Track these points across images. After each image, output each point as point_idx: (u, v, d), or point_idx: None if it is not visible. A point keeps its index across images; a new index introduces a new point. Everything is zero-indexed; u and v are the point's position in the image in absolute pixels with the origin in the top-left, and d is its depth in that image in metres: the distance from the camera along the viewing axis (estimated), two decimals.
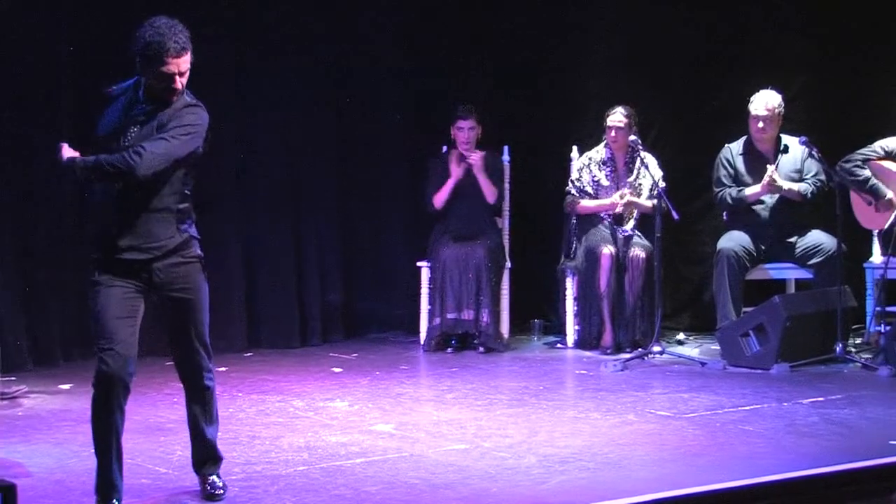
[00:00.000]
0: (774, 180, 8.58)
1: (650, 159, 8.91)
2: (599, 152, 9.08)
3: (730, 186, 8.78)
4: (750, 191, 8.69)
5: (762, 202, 8.76)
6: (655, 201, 8.60)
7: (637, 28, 9.60)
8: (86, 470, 5.64)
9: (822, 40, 9.48)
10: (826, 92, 9.44)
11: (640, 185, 8.99)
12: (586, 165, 9.07)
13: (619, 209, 8.89)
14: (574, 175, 9.11)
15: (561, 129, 9.56)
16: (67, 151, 5.06)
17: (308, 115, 9.14)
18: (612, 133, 8.92)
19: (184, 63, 4.99)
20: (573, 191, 9.08)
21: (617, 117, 8.92)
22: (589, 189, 9.03)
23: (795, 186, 8.68)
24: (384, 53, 9.53)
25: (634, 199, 8.89)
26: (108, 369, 4.92)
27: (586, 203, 9.03)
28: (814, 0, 9.51)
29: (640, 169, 8.94)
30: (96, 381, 4.94)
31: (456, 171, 9.04)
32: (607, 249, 8.78)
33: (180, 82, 5.01)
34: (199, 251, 5.18)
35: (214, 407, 5.32)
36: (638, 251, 8.79)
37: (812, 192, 8.69)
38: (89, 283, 5.07)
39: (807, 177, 8.75)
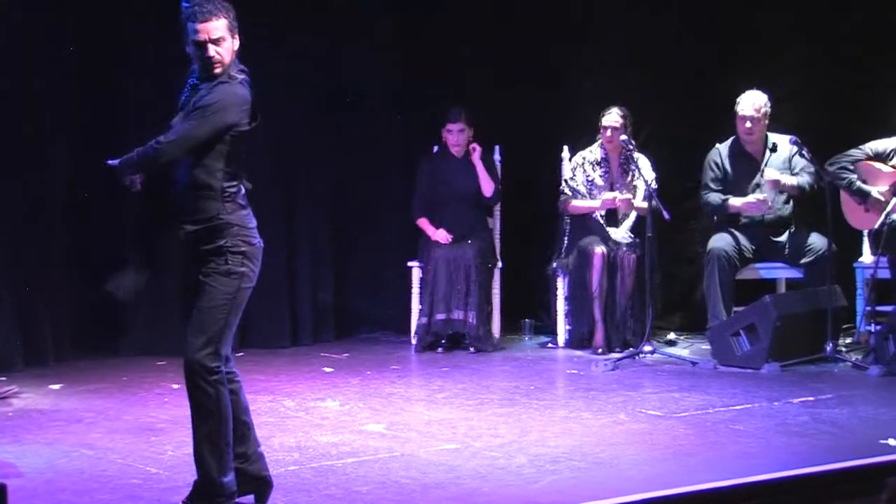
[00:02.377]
0: (765, 200, 8.61)
1: (643, 161, 8.93)
2: (594, 152, 9.09)
3: (716, 190, 8.79)
4: (734, 202, 8.71)
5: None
6: (648, 203, 8.62)
7: (628, 29, 9.61)
8: (76, 470, 5.65)
9: (813, 41, 9.49)
10: (816, 92, 9.44)
11: (634, 186, 9.00)
12: (580, 165, 9.08)
13: (617, 204, 8.87)
14: (567, 174, 9.12)
15: (552, 129, 9.57)
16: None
17: (300, 115, 9.13)
18: (608, 133, 8.92)
19: (214, 30, 4.93)
20: (566, 190, 9.09)
21: (613, 117, 8.93)
22: (582, 189, 9.04)
23: (794, 181, 8.68)
24: (378, 54, 9.51)
25: (629, 196, 8.89)
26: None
27: (578, 203, 9.04)
28: (803, 0, 9.52)
29: (634, 171, 8.95)
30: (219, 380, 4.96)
31: (442, 235, 9.06)
32: (599, 249, 8.78)
33: (215, 51, 4.94)
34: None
35: (197, 409, 5.00)
36: (629, 252, 8.81)
37: (809, 184, 8.68)
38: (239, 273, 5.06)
39: (796, 171, 8.76)
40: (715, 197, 8.77)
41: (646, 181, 8.72)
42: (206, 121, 4.92)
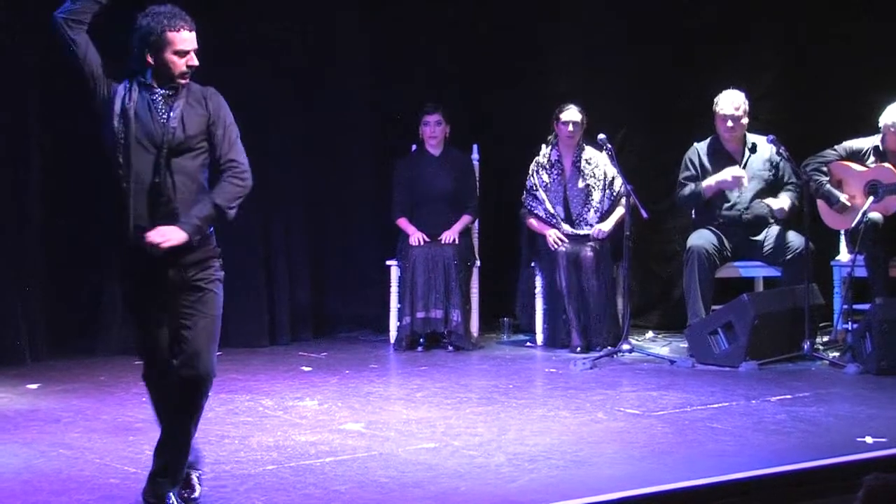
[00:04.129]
0: (742, 179, 8.64)
1: (598, 157, 8.90)
2: (545, 155, 9.09)
3: (687, 185, 8.83)
4: (708, 182, 8.72)
5: (733, 200, 8.79)
6: (613, 217, 8.70)
7: (605, 30, 9.64)
8: (53, 470, 5.64)
9: (789, 40, 9.53)
10: (793, 91, 9.49)
11: (589, 186, 8.98)
12: (535, 171, 9.09)
13: (554, 247, 8.87)
14: (528, 183, 9.11)
15: (530, 128, 9.57)
16: (162, 235, 4.84)
17: (277, 115, 9.13)
18: (570, 128, 8.92)
19: (195, 39, 4.97)
20: (527, 202, 9.08)
21: (573, 113, 8.93)
22: (542, 194, 9.03)
23: (786, 204, 8.70)
24: (354, 54, 9.53)
25: (575, 231, 8.92)
26: None
27: (533, 221, 9.04)
28: None
29: (587, 170, 8.95)
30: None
31: (417, 238, 9.05)
32: (563, 247, 8.80)
33: (195, 59, 4.97)
34: None
35: (197, 412, 5.13)
36: (587, 251, 8.81)
37: (797, 197, 8.71)
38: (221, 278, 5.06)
39: (784, 181, 8.79)
40: (688, 188, 8.79)
41: (614, 182, 8.74)
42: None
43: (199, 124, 4.98)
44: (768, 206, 8.71)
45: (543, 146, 9.18)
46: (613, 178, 8.83)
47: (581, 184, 9.00)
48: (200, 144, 4.98)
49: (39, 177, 8.41)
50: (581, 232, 8.94)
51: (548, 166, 9.05)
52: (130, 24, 4.99)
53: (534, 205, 9.06)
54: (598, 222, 8.96)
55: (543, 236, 8.99)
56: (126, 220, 4.87)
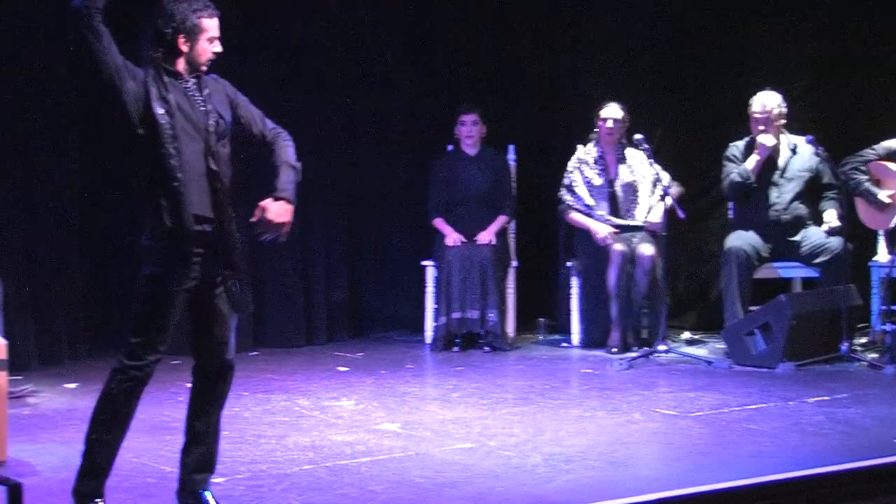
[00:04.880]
0: (769, 138, 8.61)
1: (638, 156, 8.88)
2: (589, 152, 9.07)
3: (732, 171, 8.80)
4: (748, 163, 8.69)
5: (771, 201, 8.74)
6: (654, 213, 8.66)
7: (642, 29, 9.61)
8: None
9: (828, 40, 9.48)
10: (831, 91, 9.44)
11: (635, 182, 8.97)
12: (577, 168, 9.07)
13: (607, 242, 8.84)
14: (566, 180, 9.09)
15: (566, 128, 9.57)
16: (280, 215, 4.99)
17: (315, 116, 9.13)
18: (609, 124, 8.91)
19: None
20: (567, 197, 9.06)
21: (613, 110, 8.93)
22: (583, 191, 9.01)
23: (834, 215, 8.67)
24: (392, 56, 9.55)
25: (627, 221, 8.88)
26: None
27: (577, 216, 9.01)
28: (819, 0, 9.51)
29: (633, 165, 8.94)
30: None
31: (453, 238, 9.03)
32: (619, 246, 8.76)
33: (220, 46, 4.97)
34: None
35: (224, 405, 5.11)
36: (646, 250, 8.77)
37: (841, 206, 8.65)
38: None
39: (824, 182, 8.75)
40: (734, 173, 8.74)
41: (658, 180, 8.70)
42: None
43: (228, 110, 5.00)
44: (827, 230, 8.66)
45: (579, 146, 9.15)
46: (658, 174, 8.77)
47: (629, 178, 8.98)
48: (229, 131, 5.00)
49: (77, 177, 8.46)
50: (632, 223, 8.90)
51: (591, 162, 9.03)
52: (145, 9, 4.92)
53: (573, 200, 9.03)
54: (644, 219, 8.93)
55: (584, 234, 8.95)
56: (181, 210, 4.80)
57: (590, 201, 8.99)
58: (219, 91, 5.01)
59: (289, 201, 4.99)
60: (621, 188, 8.99)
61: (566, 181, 9.08)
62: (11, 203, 8.10)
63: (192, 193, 4.83)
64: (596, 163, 9.04)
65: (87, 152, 8.42)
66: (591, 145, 9.09)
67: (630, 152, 8.98)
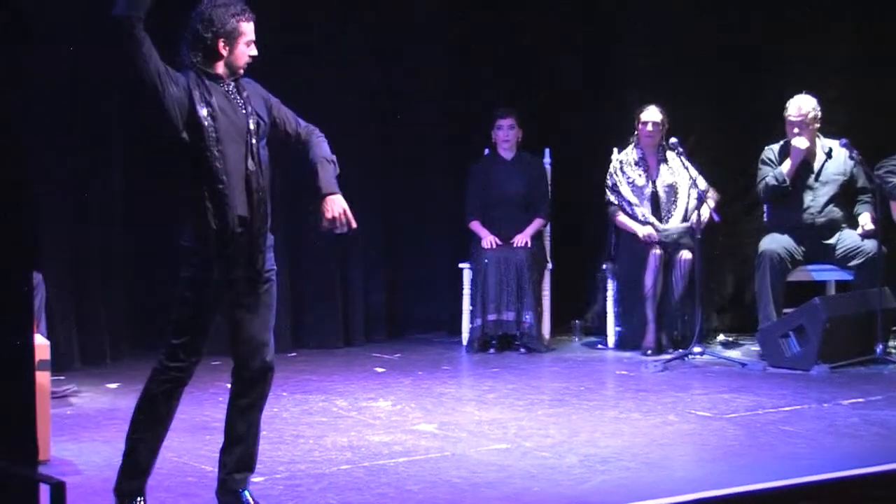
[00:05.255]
0: (802, 139, 8.57)
1: (676, 162, 8.86)
2: (630, 154, 9.06)
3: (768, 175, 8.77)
4: (784, 167, 8.66)
5: (806, 204, 8.71)
6: (691, 216, 8.66)
7: (677, 33, 9.57)
8: None
9: (863, 43, 9.43)
10: (865, 94, 9.39)
11: (675, 183, 8.95)
12: (619, 169, 9.05)
13: (652, 239, 8.79)
14: (609, 181, 9.07)
15: (601, 132, 9.55)
16: (341, 207, 5.11)
17: (354, 122, 9.13)
18: (649, 127, 8.89)
19: None
20: (613, 199, 9.04)
21: (653, 112, 8.92)
22: (627, 191, 8.99)
23: (868, 218, 8.64)
24: (428, 61, 9.55)
25: (667, 227, 8.85)
26: None
27: (624, 219, 8.98)
28: (854, 3, 9.45)
29: (672, 169, 8.92)
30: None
31: (490, 241, 9.01)
32: (656, 249, 8.74)
33: (255, 50, 5.01)
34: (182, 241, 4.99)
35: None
36: (685, 253, 8.73)
37: (874, 208, 8.61)
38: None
39: (858, 185, 8.72)
40: (769, 176, 8.71)
41: (695, 183, 8.68)
42: None
43: (265, 111, 5.03)
44: (861, 233, 8.62)
45: (615, 151, 9.12)
46: (696, 178, 8.74)
47: (670, 180, 8.96)
48: (267, 132, 5.03)
49: (120, 182, 8.50)
50: (671, 228, 8.87)
51: (633, 164, 9.01)
52: (182, 14, 4.94)
53: (620, 200, 9.01)
54: (682, 220, 8.88)
55: (627, 236, 8.93)
56: (226, 212, 4.82)
57: (633, 200, 8.97)
58: (255, 93, 5.04)
59: (338, 192, 5.07)
60: (663, 189, 8.97)
61: (610, 182, 9.06)
62: (56, 206, 8.14)
63: (235, 195, 4.86)
64: (637, 164, 9.02)
65: (130, 154, 8.45)
66: (631, 147, 9.07)
67: (670, 155, 8.96)
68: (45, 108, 7.90)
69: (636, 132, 9.03)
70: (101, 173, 8.40)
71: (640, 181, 9.00)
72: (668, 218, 8.96)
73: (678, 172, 8.93)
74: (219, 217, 4.82)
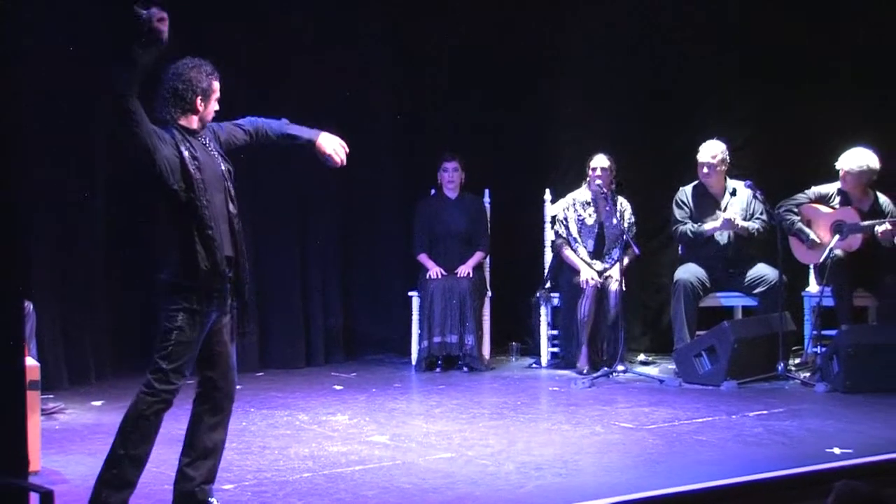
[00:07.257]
0: (734, 220, 8.63)
1: (626, 204, 8.94)
2: (583, 194, 9.07)
3: (686, 223, 8.81)
4: (708, 226, 8.73)
5: (715, 239, 8.79)
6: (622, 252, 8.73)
7: (602, 84, 9.62)
8: None
9: (768, 93, 9.50)
10: (769, 141, 9.48)
11: (619, 224, 8.94)
12: (571, 206, 9.06)
13: (588, 285, 8.79)
14: (560, 215, 9.08)
15: (535, 174, 9.58)
16: (341, 145, 5.29)
17: (312, 162, 9.05)
18: (598, 172, 8.89)
19: None
20: (562, 231, 9.04)
21: (601, 159, 8.92)
22: (574, 228, 9.00)
23: (747, 224, 8.73)
24: (381, 105, 9.53)
25: (606, 270, 8.85)
26: None
27: (570, 254, 8.97)
28: (756, 59, 9.53)
29: (620, 212, 8.94)
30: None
31: (435, 272, 9.02)
32: (592, 281, 8.75)
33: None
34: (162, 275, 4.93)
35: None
36: (614, 285, 8.75)
37: (758, 230, 8.76)
38: None
39: (754, 216, 8.81)
40: (687, 228, 8.78)
41: (625, 221, 8.74)
42: None
43: (223, 149, 5.06)
44: (744, 228, 8.69)
45: (565, 197, 9.11)
46: (631, 218, 8.83)
47: (615, 221, 8.97)
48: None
49: (103, 201, 8.32)
50: (608, 268, 8.86)
51: (584, 204, 9.02)
52: (156, 74, 4.89)
53: (567, 235, 9.02)
54: (618, 257, 8.90)
55: (567, 268, 8.94)
56: (215, 255, 4.81)
57: (578, 238, 8.97)
58: (215, 138, 5.03)
59: (321, 133, 5.23)
60: (608, 231, 8.97)
61: (561, 216, 9.07)
62: (44, 232, 7.97)
63: (222, 238, 4.85)
64: (588, 204, 9.03)
65: (113, 187, 8.31)
66: (584, 188, 9.07)
67: (618, 200, 8.98)
68: (30, 132, 7.66)
69: (587, 177, 9.03)
70: (86, 207, 8.22)
71: (590, 220, 9.00)
72: (608, 257, 8.95)
73: (623, 215, 8.94)
74: (209, 258, 4.81)
